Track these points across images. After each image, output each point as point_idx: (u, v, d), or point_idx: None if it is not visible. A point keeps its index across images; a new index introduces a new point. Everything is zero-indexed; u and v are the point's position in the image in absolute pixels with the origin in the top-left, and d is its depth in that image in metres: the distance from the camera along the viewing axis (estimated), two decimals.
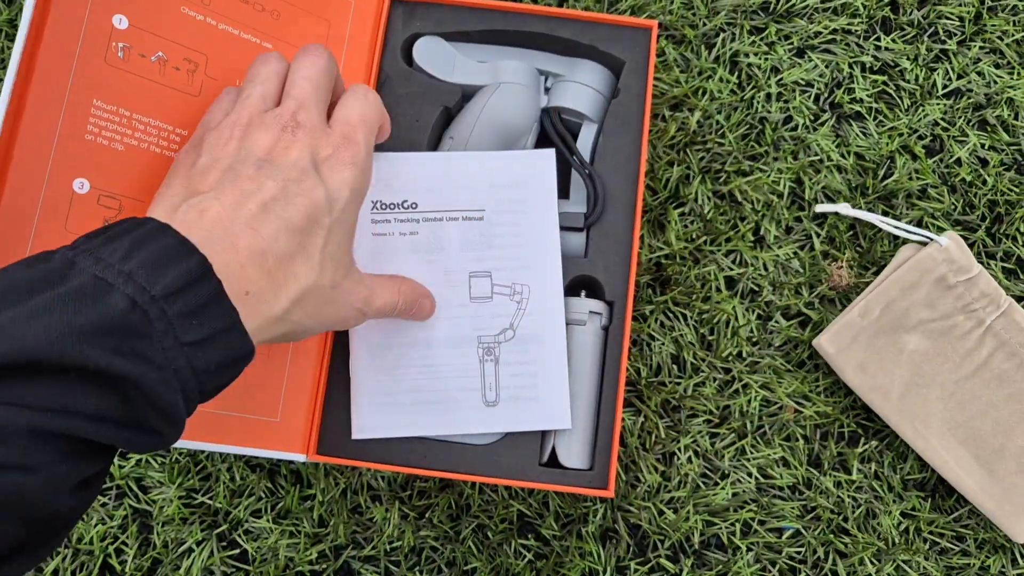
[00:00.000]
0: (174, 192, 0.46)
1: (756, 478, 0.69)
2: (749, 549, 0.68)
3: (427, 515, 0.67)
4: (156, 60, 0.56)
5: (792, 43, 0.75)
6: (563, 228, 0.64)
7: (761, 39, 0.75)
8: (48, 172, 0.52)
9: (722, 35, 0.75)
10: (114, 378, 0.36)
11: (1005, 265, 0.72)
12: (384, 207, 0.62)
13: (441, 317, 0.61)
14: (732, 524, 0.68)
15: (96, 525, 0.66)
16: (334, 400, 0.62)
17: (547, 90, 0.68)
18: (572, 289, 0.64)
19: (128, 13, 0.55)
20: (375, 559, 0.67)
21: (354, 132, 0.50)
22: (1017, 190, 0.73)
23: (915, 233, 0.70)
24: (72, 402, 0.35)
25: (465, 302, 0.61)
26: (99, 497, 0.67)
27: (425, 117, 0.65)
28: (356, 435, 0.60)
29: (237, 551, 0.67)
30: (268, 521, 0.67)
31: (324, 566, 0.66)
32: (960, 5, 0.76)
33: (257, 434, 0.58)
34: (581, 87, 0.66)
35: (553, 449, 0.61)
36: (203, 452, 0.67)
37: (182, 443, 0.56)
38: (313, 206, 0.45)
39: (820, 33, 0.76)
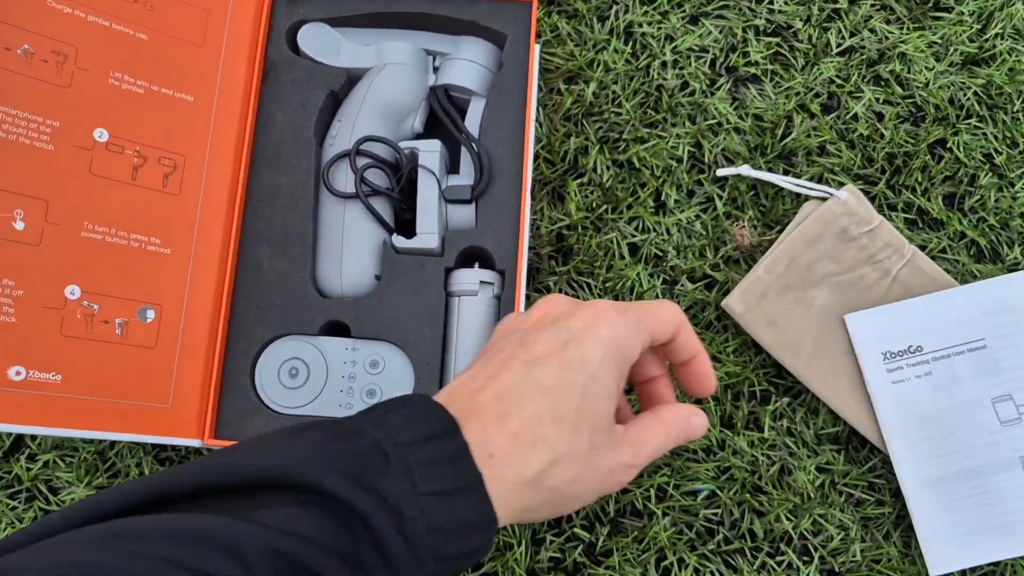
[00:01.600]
0: (459, 378, 0.44)
1: None
2: (665, 514, 0.67)
3: None
4: (23, 53, 0.56)
5: (685, 11, 0.75)
6: (452, 201, 0.63)
7: (654, 8, 0.75)
8: None
9: (615, 7, 0.75)
10: (344, 506, 0.35)
11: (907, 216, 0.72)
12: (893, 356, 0.66)
13: (977, 446, 0.65)
14: (647, 490, 0.67)
15: (5, 529, 0.65)
16: (231, 382, 0.61)
17: (435, 69, 0.68)
18: (465, 262, 0.64)
19: None
20: None
21: (626, 305, 0.46)
22: (913, 141, 0.73)
23: (815, 189, 0.69)
24: (308, 528, 0.35)
25: (996, 428, 0.65)
26: (8, 501, 0.65)
27: (312, 102, 0.65)
28: (934, 572, 0.65)
29: None
30: None
31: None
32: None
33: (148, 421, 0.57)
34: (467, 63, 0.66)
35: None
36: (111, 448, 0.66)
37: (63, 431, 0.55)
38: (564, 366, 0.42)
39: (712, 0, 0.75)
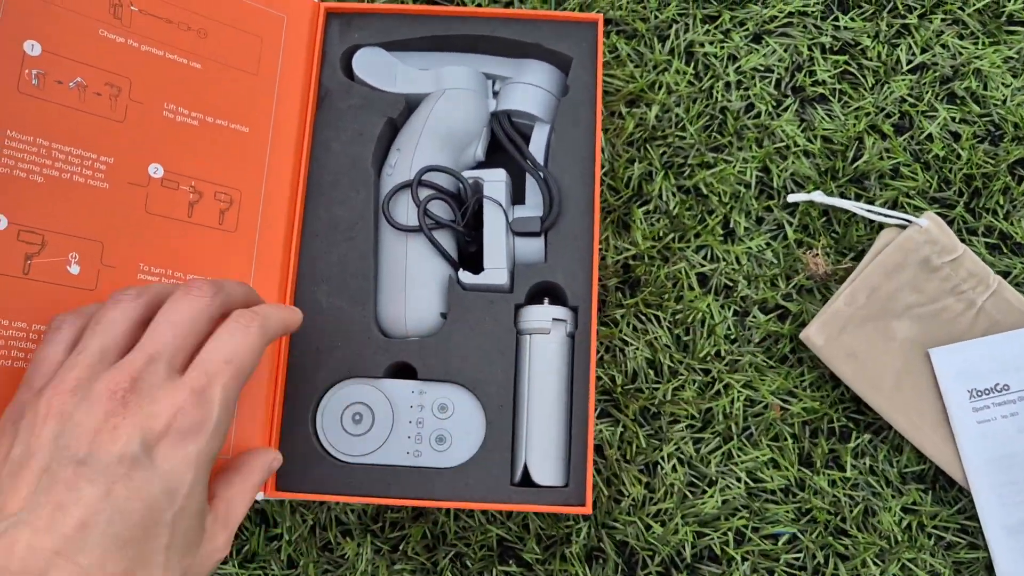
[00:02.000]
0: None
1: (746, 483, 0.64)
2: (744, 559, 0.63)
3: (401, 547, 0.62)
4: (75, 86, 0.52)
5: (748, 29, 0.72)
6: (520, 234, 0.60)
7: (715, 27, 0.71)
8: None
9: (675, 26, 0.71)
10: None
11: (988, 240, 0.68)
12: (979, 394, 0.63)
13: None
14: (724, 533, 0.63)
15: None
16: (291, 430, 0.57)
17: (495, 94, 0.64)
18: (534, 297, 0.60)
19: (40, 39, 0.51)
20: None
21: (210, 384, 0.41)
22: (993, 162, 0.69)
23: (893, 216, 0.66)
24: None
25: None
26: None
27: (369, 130, 0.61)
28: None
29: None
30: (234, 566, 0.62)
31: None
32: None
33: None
34: (530, 87, 0.63)
35: (525, 467, 0.57)
36: None
37: None
38: (147, 508, 0.38)
39: (776, 17, 0.72)
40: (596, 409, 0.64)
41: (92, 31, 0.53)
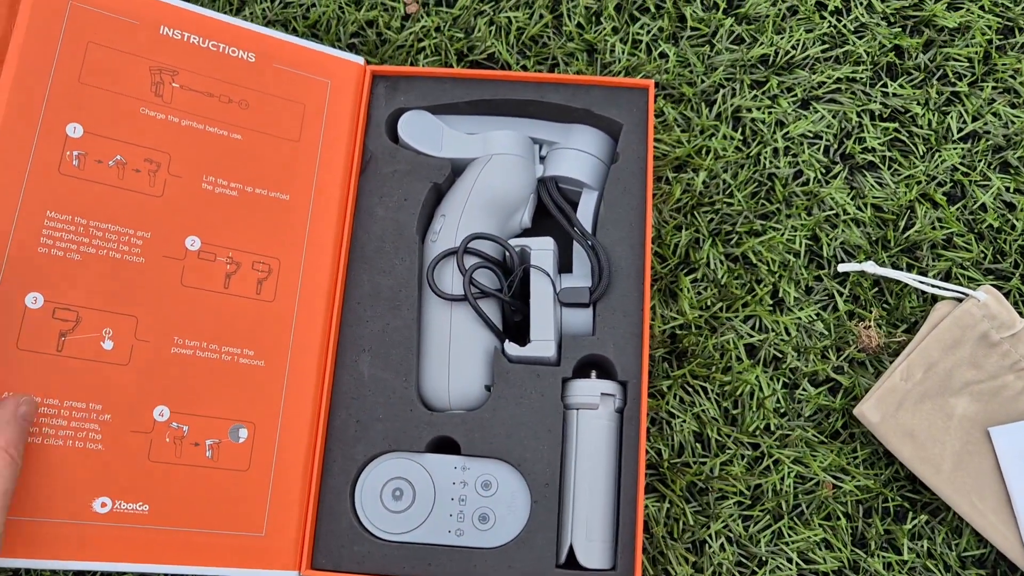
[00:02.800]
0: None
1: (797, 563, 0.59)
2: None
3: None
4: (114, 164, 0.49)
5: (796, 95, 0.68)
6: (567, 304, 0.56)
7: (763, 93, 0.68)
8: None
9: (722, 91, 0.67)
10: None
11: None
12: None
13: None
14: None
15: None
16: (329, 506, 0.53)
17: (542, 159, 0.61)
18: (581, 370, 0.56)
19: (83, 120, 0.48)
20: None
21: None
22: None
23: (948, 289, 0.61)
24: None
25: None
26: None
27: (414, 195, 0.58)
28: None
29: None
30: None
31: None
32: (967, 46, 0.69)
33: (241, 552, 0.49)
34: (578, 153, 0.59)
35: (571, 549, 0.52)
36: None
37: (151, 567, 0.47)
38: None
39: (824, 83, 0.68)
40: (644, 497, 0.60)
41: (133, 110, 0.50)
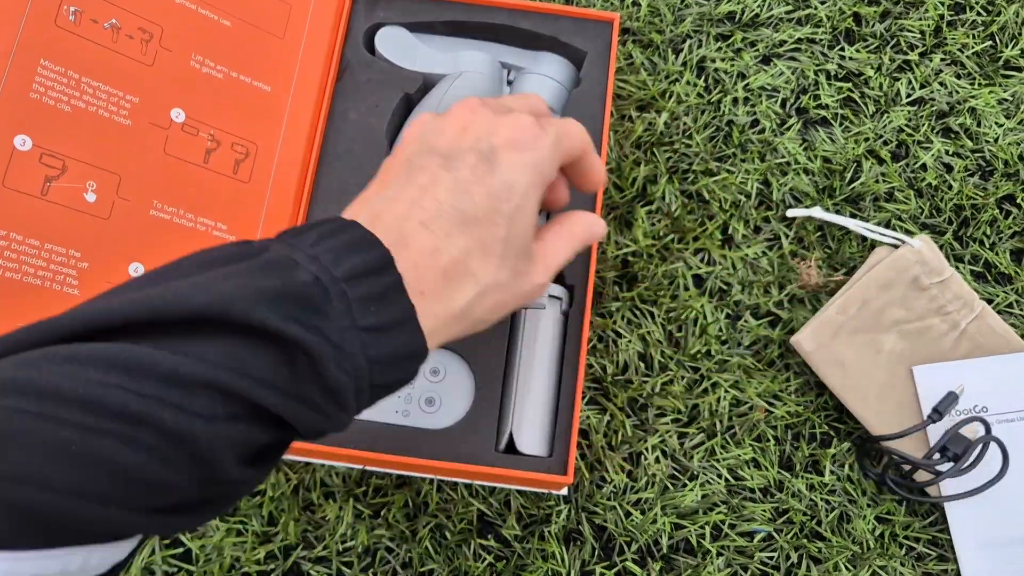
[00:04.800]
0: (369, 190, 0.44)
1: (726, 479, 0.65)
2: (719, 553, 0.63)
3: (383, 514, 0.63)
4: (109, 27, 0.54)
5: (758, 50, 0.74)
6: None
7: (727, 46, 0.74)
8: None
9: (688, 41, 0.74)
10: (288, 343, 0.34)
11: (973, 268, 0.70)
12: (959, 414, 0.64)
13: None
14: (702, 527, 0.64)
15: None
16: None
17: (510, 83, 0.66)
18: None
19: None
20: (327, 560, 0.62)
21: (548, 123, 0.45)
22: (982, 195, 0.71)
23: (888, 236, 0.68)
24: (245, 362, 0.34)
25: None
26: None
27: (386, 103, 0.63)
28: None
29: (180, 550, 0.62)
30: (214, 519, 0.62)
31: (272, 566, 0.62)
32: (920, 19, 0.76)
33: None
34: (543, 79, 0.65)
35: (511, 435, 0.57)
36: None
37: None
38: (488, 195, 0.41)
39: (785, 42, 0.75)
40: (585, 397, 0.65)
41: None
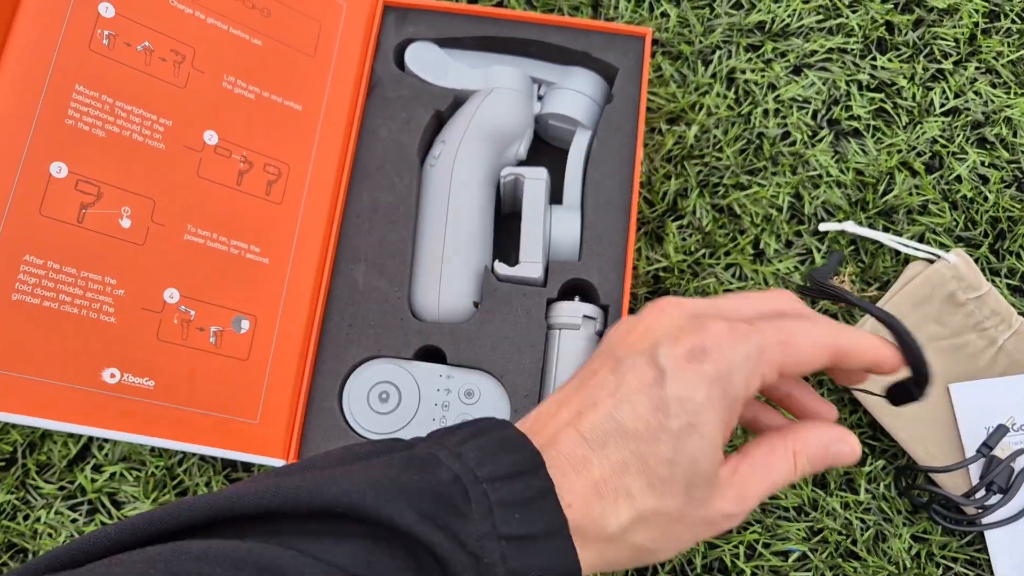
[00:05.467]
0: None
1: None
2: (754, 573, 0.64)
3: None
4: (142, 50, 0.54)
5: (788, 61, 0.74)
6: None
7: (758, 56, 0.74)
8: (24, 154, 0.50)
9: (718, 52, 0.74)
10: (419, 545, 0.32)
11: (1010, 282, 0.70)
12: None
13: None
14: (735, 546, 0.64)
15: (64, 541, 0.62)
16: (318, 402, 0.59)
17: (540, 98, 0.67)
18: (565, 294, 0.62)
19: (115, 2, 0.54)
20: None
21: (749, 329, 0.38)
22: (1019, 207, 0.71)
23: (922, 250, 0.68)
24: (372, 565, 0.32)
25: None
26: (68, 512, 0.63)
27: (417, 120, 0.64)
28: None
29: None
30: None
31: None
32: (955, 27, 0.75)
33: (233, 436, 0.55)
34: (575, 94, 0.65)
35: None
36: (179, 464, 0.63)
37: (152, 439, 0.52)
38: (652, 407, 0.36)
39: (816, 52, 0.74)
40: None
41: (164, 0, 0.55)
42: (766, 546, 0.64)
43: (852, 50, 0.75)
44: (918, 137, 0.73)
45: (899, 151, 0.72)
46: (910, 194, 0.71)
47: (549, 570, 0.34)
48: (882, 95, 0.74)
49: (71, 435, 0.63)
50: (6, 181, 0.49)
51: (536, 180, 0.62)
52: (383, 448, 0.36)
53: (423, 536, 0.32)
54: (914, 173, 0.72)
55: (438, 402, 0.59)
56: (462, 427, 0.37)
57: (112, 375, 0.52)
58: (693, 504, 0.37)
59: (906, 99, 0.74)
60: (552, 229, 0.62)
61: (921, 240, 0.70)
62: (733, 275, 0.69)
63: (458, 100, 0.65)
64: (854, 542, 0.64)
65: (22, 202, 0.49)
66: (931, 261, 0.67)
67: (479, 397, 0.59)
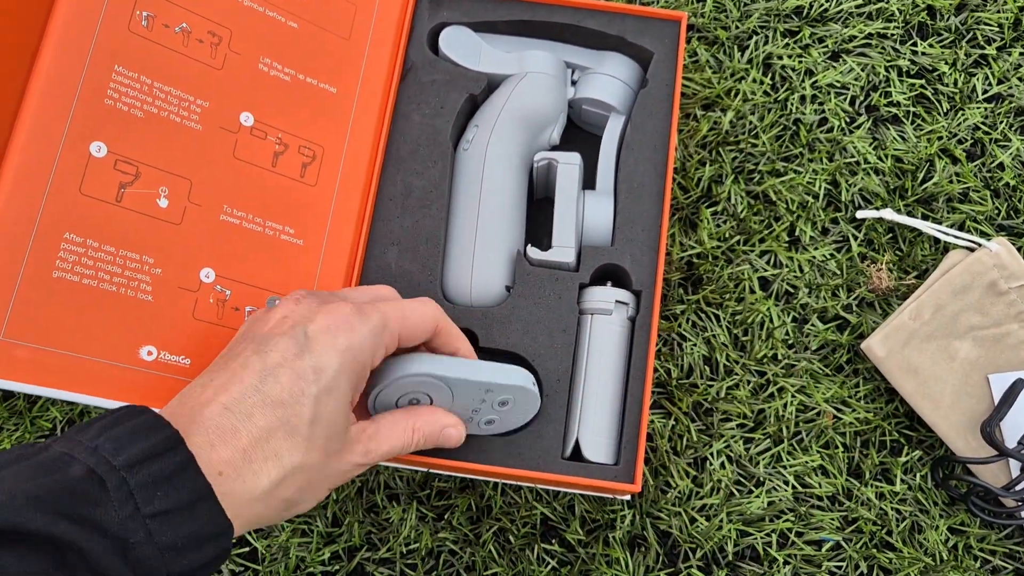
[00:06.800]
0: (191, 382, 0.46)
1: (793, 486, 0.65)
2: (786, 562, 0.64)
3: (446, 516, 0.64)
4: (180, 31, 0.56)
5: (826, 46, 0.74)
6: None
7: (795, 42, 0.74)
8: (65, 133, 0.52)
9: (755, 37, 0.74)
10: (57, 543, 0.35)
11: None
12: None
13: None
14: (768, 534, 0.65)
15: None
16: None
17: (574, 83, 0.67)
18: (597, 279, 0.63)
19: None
20: (390, 561, 0.64)
21: (372, 309, 0.47)
22: None
23: (962, 238, 0.68)
24: (10, 571, 0.34)
25: None
26: None
27: (450, 104, 0.65)
28: None
29: (246, 549, 0.64)
30: None
31: (337, 567, 0.64)
32: (999, 12, 0.75)
33: None
34: (609, 79, 0.66)
35: (577, 442, 0.59)
36: None
37: None
38: (297, 376, 0.44)
39: (855, 37, 0.75)
40: (650, 398, 0.66)
41: None
42: (799, 535, 0.65)
43: (892, 35, 0.75)
44: (959, 124, 0.73)
45: (939, 138, 0.72)
46: (950, 181, 0.71)
47: (200, 537, 0.39)
48: (923, 81, 0.74)
49: None
50: (47, 160, 0.51)
51: (569, 165, 0.63)
52: (15, 457, 0.38)
53: (59, 534, 0.34)
54: (955, 160, 0.72)
55: (471, 408, 0.55)
56: (99, 419, 0.40)
57: (149, 352, 0.53)
58: (330, 457, 0.45)
59: (947, 85, 0.74)
60: (585, 214, 0.63)
61: (961, 228, 0.70)
62: (768, 262, 0.70)
63: (492, 84, 0.66)
64: (889, 532, 0.65)
65: (63, 181, 0.51)
66: (971, 249, 0.67)
67: (512, 404, 0.55)
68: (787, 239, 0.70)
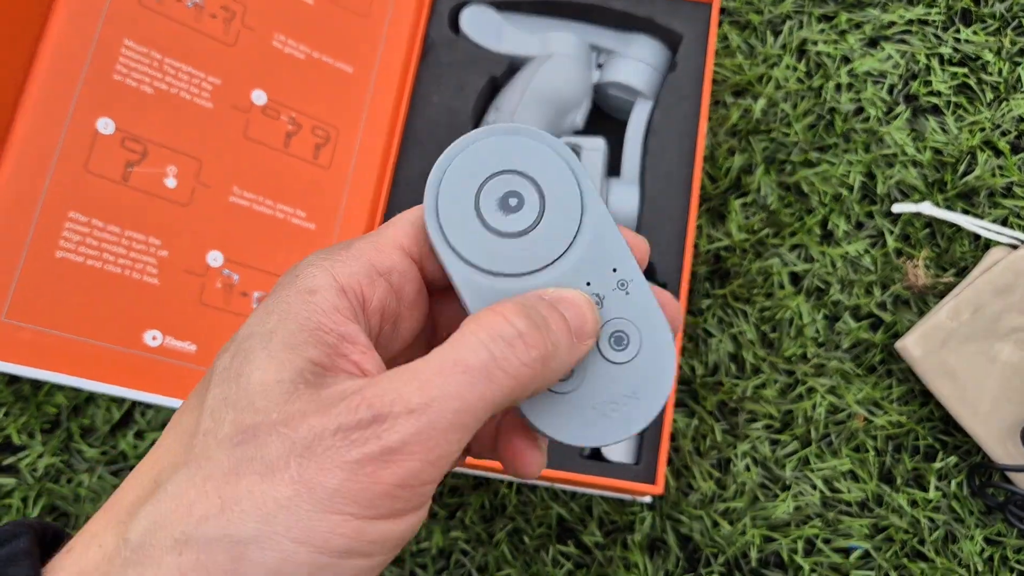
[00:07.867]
0: None
1: (821, 491, 0.64)
2: (812, 570, 0.63)
3: (458, 515, 0.63)
4: (192, 6, 0.55)
5: (864, 32, 0.72)
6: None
7: (831, 27, 0.73)
8: (72, 109, 0.51)
9: (789, 22, 0.72)
10: None
11: None
12: None
13: None
14: (794, 541, 0.63)
15: None
16: None
17: (599, 67, 0.66)
18: None
19: None
20: (400, 560, 0.63)
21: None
22: None
23: (1004, 234, 0.66)
24: None
25: None
26: (111, 478, 0.64)
27: (471, 86, 0.63)
28: None
29: None
30: None
31: None
32: None
33: None
34: (636, 62, 0.64)
35: None
36: None
37: None
38: None
39: (895, 23, 0.73)
40: (674, 396, 0.65)
41: None
42: (826, 542, 0.63)
43: (934, 22, 0.73)
44: (1003, 115, 0.71)
45: (982, 129, 0.70)
46: (993, 175, 0.69)
47: None
48: (965, 70, 0.72)
49: (114, 399, 0.64)
50: (53, 136, 0.50)
51: (593, 151, 0.62)
52: None
53: None
54: (998, 153, 0.70)
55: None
56: None
57: (154, 337, 0.52)
58: None
59: (991, 74, 0.72)
60: (609, 202, 0.61)
61: (1004, 223, 0.68)
62: (799, 256, 0.68)
63: (514, 66, 0.65)
64: (921, 542, 0.63)
65: (68, 158, 0.50)
66: (1014, 246, 0.65)
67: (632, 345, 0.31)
68: (819, 233, 0.68)
